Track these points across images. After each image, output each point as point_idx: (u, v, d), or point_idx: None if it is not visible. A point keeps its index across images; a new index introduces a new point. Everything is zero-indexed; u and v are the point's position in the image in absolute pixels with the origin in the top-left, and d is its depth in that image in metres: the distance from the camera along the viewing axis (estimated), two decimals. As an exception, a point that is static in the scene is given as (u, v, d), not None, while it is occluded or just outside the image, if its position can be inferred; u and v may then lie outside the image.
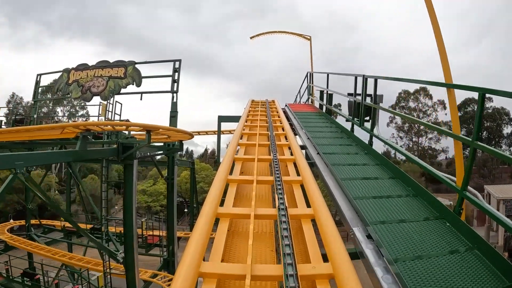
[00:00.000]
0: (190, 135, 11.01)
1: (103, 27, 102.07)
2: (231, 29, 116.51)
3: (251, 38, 17.58)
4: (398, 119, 47.63)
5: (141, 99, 16.77)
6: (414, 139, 46.86)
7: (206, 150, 63.32)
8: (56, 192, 38.62)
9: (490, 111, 44.55)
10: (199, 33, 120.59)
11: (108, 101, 14.44)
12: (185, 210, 33.23)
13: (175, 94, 15.98)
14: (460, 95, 46.50)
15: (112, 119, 13.78)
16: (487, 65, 68.20)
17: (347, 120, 6.85)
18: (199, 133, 17.76)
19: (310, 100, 11.20)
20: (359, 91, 6.52)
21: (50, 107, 40.01)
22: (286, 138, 5.79)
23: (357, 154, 5.30)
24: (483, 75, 60.95)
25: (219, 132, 10.94)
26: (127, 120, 13.78)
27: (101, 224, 14.07)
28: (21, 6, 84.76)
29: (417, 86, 44.59)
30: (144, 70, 17.47)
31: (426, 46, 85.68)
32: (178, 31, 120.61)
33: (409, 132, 46.61)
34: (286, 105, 10.79)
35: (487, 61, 68.90)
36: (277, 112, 8.32)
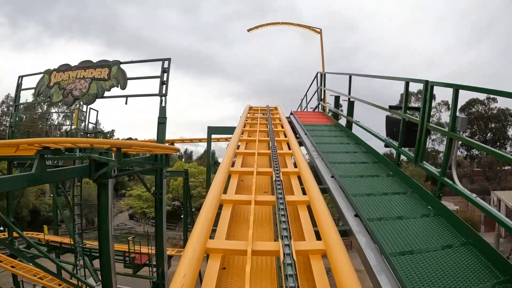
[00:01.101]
0: (174, 150, 8.76)
1: (103, 27, 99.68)
2: (231, 29, 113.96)
3: (248, 30, 15.24)
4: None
5: (126, 103, 14.48)
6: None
7: (206, 151, 61.05)
8: (51, 195, 36.52)
9: (495, 111, 42.27)
10: (199, 33, 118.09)
11: (80, 107, 12.09)
12: (182, 216, 31.02)
13: (163, 98, 13.68)
14: (464, 96, 44.30)
15: (86, 128, 11.49)
16: (487, 65, 65.83)
17: (386, 145, 4.59)
18: (192, 140, 15.55)
19: (320, 107, 8.92)
20: (402, 100, 4.27)
21: (45, 108, 37.72)
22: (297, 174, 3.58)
23: (415, 218, 3.06)
24: (483, 75, 58.67)
25: (209, 145, 8.69)
26: (106, 132, 11.51)
27: (75, 251, 11.88)
28: (21, 6, 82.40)
29: (420, 86, 42.20)
30: (132, 70, 15.21)
31: (426, 46, 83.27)
32: (178, 31, 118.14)
33: (412, 134, 44.17)
34: (291, 113, 8.52)
35: (487, 61, 66.51)
36: (282, 127, 6.03)
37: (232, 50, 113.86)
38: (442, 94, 43.67)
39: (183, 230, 18.38)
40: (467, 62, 70.11)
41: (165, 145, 8.21)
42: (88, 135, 11.23)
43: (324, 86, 8.69)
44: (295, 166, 3.74)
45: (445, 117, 43.24)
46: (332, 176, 3.90)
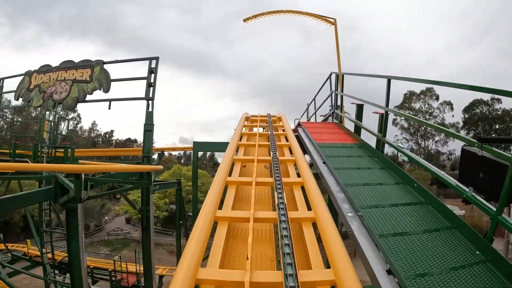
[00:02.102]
0: (149, 169, 6.88)
1: (104, 27, 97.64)
2: (232, 29, 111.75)
3: (244, 20, 13.18)
4: (403, 121, 43.33)
5: (109, 107, 12.61)
6: (420, 142, 42.48)
7: (203, 153, 59.09)
8: (46, 200, 34.76)
9: (499, 113, 40.33)
10: (200, 33, 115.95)
11: (51, 114, 10.21)
12: (180, 222, 29.11)
13: (150, 102, 11.78)
14: (468, 96, 42.45)
15: (54, 142, 9.59)
16: (488, 65, 63.82)
17: (466, 201, 2.70)
18: (183, 149, 13.70)
19: (334, 117, 6.95)
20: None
21: (38, 110, 35.72)
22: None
23: None
24: (483, 75, 56.75)
25: (195, 162, 6.81)
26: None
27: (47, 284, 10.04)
28: (21, 6, 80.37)
29: (424, 86, 40.28)
30: (117, 71, 13.28)
31: (426, 46, 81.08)
32: (178, 31, 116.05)
33: (415, 135, 42.26)
34: (299, 124, 6.63)
35: (488, 61, 64.49)
36: (292, 154, 4.12)
37: (232, 50, 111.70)
38: (445, 94, 41.76)
39: (177, 244, 16.50)
40: (468, 62, 68.14)
41: (138, 166, 6.33)
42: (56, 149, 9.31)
43: (342, 91, 6.79)
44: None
45: (449, 118, 41.30)
46: (389, 272, 2.00)
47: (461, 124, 40.93)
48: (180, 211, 15.66)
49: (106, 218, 33.68)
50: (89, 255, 26.15)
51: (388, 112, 4.26)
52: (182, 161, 48.18)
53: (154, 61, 12.00)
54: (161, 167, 7.52)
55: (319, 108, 8.08)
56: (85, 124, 45.38)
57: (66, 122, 40.93)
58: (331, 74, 7.16)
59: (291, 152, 4.35)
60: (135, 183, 10.06)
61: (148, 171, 7.11)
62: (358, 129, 5.60)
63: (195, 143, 6.35)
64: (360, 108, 5.48)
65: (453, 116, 41.06)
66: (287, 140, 4.74)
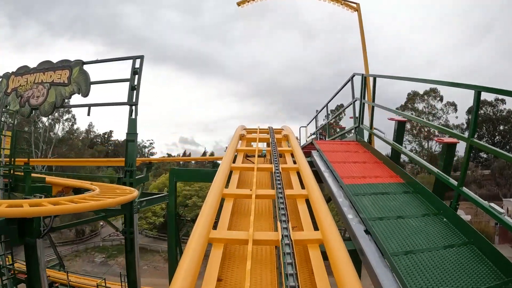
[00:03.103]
0: (125, 200, 5.15)
1: (105, 27, 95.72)
2: (232, 29, 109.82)
3: (238, 4, 11.50)
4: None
5: (88, 114, 10.90)
6: (423, 143, 40.66)
7: (205, 152, 57.34)
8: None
9: (504, 113, 38.54)
10: (200, 33, 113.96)
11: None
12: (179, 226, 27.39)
13: (134, 107, 10.07)
14: (471, 96, 40.58)
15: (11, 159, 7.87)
16: (489, 65, 61.92)
17: None
18: (173, 159, 11.94)
19: (357, 132, 5.09)
20: None
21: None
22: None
23: None
24: (483, 75, 54.90)
25: (172, 194, 5.09)
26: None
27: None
28: (22, 6, 78.43)
29: (427, 87, 38.47)
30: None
31: (426, 46, 79.01)
32: (179, 31, 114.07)
33: (417, 136, 40.46)
34: (313, 143, 4.91)
35: (489, 61, 62.59)
36: (321, 230, 2.39)
37: (233, 50, 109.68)
38: (449, 95, 39.96)
39: (169, 260, 14.74)
40: (468, 63, 66.34)
41: (108, 201, 4.55)
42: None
43: (373, 100, 4.57)
44: None
45: (452, 119, 39.43)
46: None
47: (465, 125, 39.19)
48: (175, 230, 13.89)
49: (101, 223, 31.94)
50: (81, 267, 24.37)
51: (473, 145, 2.51)
52: (181, 163, 46.44)
53: (138, 61, 10.29)
54: (137, 194, 5.79)
55: (333, 117, 6.28)
56: (82, 125, 43.56)
57: (61, 124, 39.14)
58: (353, 76, 5.23)
59: (309, 206, 2.61)
60: (114, 210, 8.32)
61: (120, 203, 5.39)
62: (396, 154, 3.86)
63: (172, 170, 4.68)
64: (401, 127, 3.74)
65: (456, 117, 39.28)
66: (302, 186, 2.97)
